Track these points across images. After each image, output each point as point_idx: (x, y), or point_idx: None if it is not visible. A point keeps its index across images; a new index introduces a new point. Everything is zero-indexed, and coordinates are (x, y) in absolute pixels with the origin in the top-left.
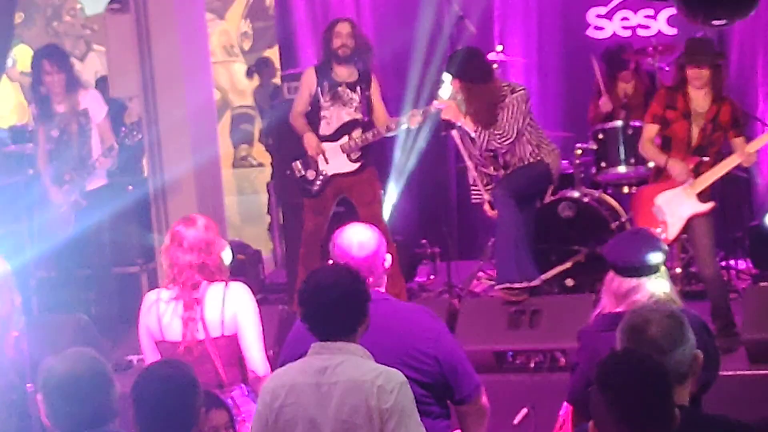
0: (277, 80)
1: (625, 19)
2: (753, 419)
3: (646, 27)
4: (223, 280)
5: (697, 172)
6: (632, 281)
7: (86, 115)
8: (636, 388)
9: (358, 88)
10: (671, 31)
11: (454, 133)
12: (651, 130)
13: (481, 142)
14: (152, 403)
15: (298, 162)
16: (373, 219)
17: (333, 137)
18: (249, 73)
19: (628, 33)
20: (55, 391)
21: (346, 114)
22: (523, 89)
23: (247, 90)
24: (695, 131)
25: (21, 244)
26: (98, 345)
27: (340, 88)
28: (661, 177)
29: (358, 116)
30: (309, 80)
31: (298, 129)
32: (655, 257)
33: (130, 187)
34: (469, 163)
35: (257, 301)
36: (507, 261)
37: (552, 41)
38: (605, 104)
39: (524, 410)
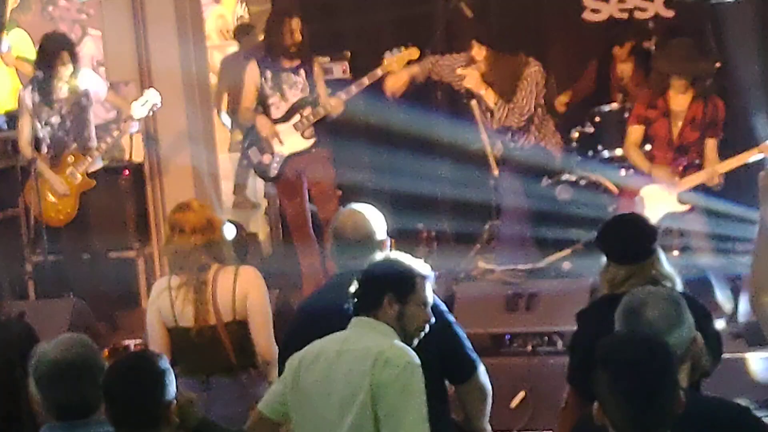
0: None
1: (621, 1)
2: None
3: (643, 9)
4: (229, 261)
5: (684, 173)
6: (626, 268)
7: (87, 96)
8: (639, 366)
9: (302, 71)
10: (668, 13)
11: (474, 103)
12: (636, 132)
13: (499, 116)
14: (121, 393)
15: (254, 148)
16: (323, 198)
17: (284, 118)
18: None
19: (624, 15)
20: (46, 378)
21: (293, 95)
22: (539, 65)
23: None
24: (675, 130)
25: (17, 229)
26: (94, 329)
27: (283, 74)
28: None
29: (305, 95)
30: (253, 75)
31: (248, 119)
32: (647, 243)
33: (127, 172)
34: (484, 136)
35: None
36: (512, 243)
37: (548, 24)
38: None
39: (522, 393)
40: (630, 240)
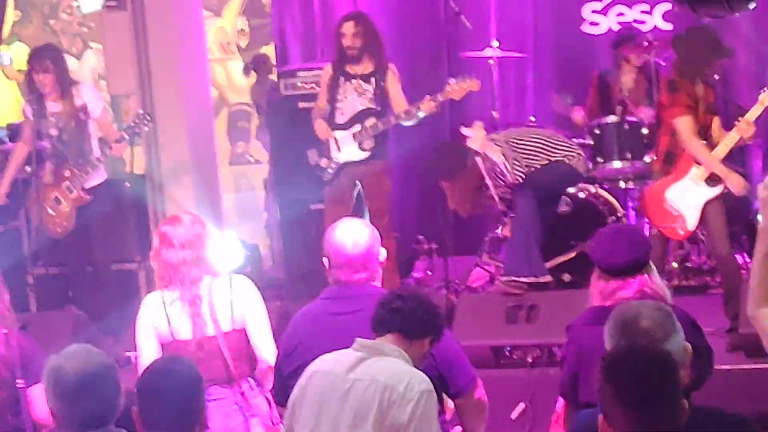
0: (273, 77)
1: (620, 14)
2: (750, 413)
3: (642, 22)
4: (224, 274)
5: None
6: (618, 281)
7: (85, 111)
8: (644, 377)
9: (373, 80)
10: (667, 26)
11: (479, 160)
12: (688, 122)
13: (510, 169)
14: (158, 398)
15: (313, 150)
16: (377, 213)
17: (346, 126)
18: (246, 70)
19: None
20: (69, 390)
21: (360, 104)
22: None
23: (245, 87)
24: (700, 117)
25: (19, 241)
26: (96, 342)
27: (354, 80)
28: (665, 172)
29: (372, 106)
30: (326, 75)
31: (313, 120)
32: (639, 256)
33: (128, 184)
34: (491, 186)
35: None
36: (518, 254)
37: (547, 37)
38: (576, 117)
39: (521, 405)
40: (622, 253)
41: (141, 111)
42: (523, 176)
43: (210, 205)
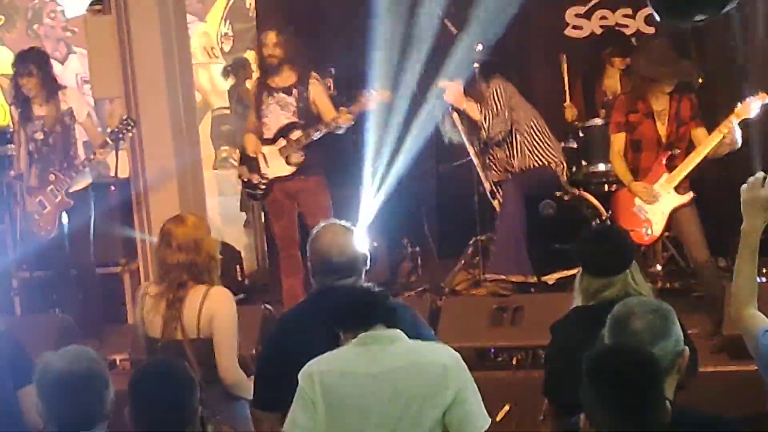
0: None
1: (603, 18)
2: (733, 415)
3: (625, 26)
4: (210, 283)
5: (670, 166)
6: (601, 280)
7: (71, 115)
8: (625, 378)
9: (295, 92)
10: (650, 29)
11: (455, 115)
12: (619, 140)
13: (488, 126)
14: (150, 399)
15: (244, 166)
16: None
17: (272, 141)
18: (225, 73)
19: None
20: (51, 388)
21: (284, 117)
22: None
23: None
24: (662, 129)
25: (3, 244)
26: (81, 345)
27: (276, 94)
28: (638, 177)
29: (295, 119)
30: (253, 90)
31: (244, 134)
32: (623, 256)
33: (113, 188)
34: (469, 148)
35: (238, 301)
36: (506, 253)
37: (530, 40)
38: (570, 111)
39: (506, 407)
40: (606, 253)
41: (125, 115)
42: (500, 136)
43: (194, 209)
